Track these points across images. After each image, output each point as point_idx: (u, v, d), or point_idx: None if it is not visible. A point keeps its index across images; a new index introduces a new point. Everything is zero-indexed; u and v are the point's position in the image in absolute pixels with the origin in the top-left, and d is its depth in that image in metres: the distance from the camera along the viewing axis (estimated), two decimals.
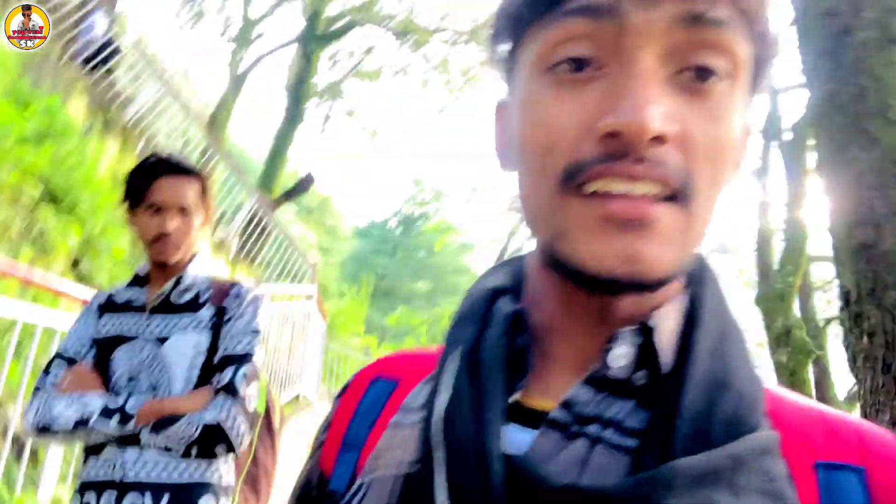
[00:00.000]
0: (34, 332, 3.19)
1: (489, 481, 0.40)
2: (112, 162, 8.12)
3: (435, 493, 0.41)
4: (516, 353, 0.49)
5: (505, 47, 0.50)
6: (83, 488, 1.59)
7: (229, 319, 1.67)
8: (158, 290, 1.71)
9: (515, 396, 0.47)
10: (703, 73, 0.43)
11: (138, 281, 1.77)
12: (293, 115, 15.18)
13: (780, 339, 6.15)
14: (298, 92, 15.18)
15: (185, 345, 1.64)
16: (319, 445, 0.59)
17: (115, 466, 1.56)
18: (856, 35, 1.52)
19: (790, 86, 11.93)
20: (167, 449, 1.56)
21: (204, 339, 1.65)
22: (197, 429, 1.53)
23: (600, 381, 0.45)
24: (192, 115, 9.97)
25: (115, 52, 8.86)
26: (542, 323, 0.50)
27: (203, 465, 1.59)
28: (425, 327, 18.93)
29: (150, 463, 1.55)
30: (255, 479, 1.75)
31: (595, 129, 0.42)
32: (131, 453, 1.55)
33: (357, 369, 0.62)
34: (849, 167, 1.49)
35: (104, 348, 1.68)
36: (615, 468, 0.41)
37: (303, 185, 12.31)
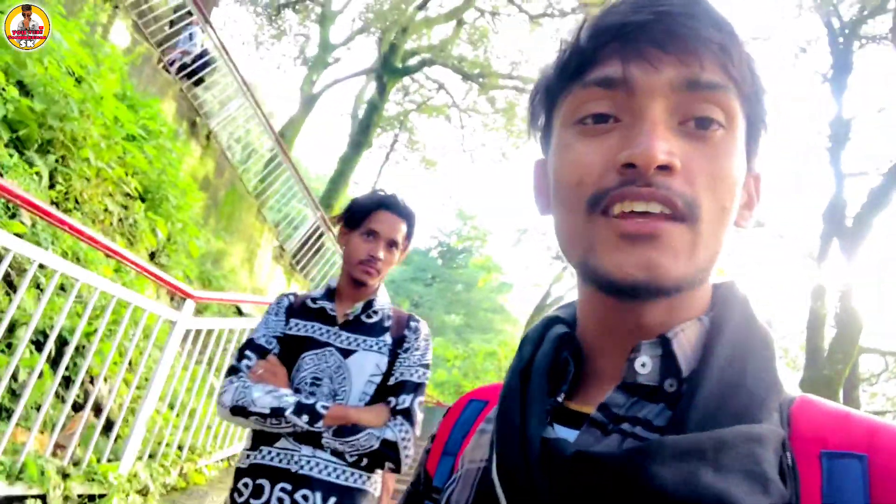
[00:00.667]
0: (125, 313, 3.41)
1: (527, 456, 0.50)
2: (194, 165, 8.52)
3: (491, 474, 0.53)
4: (561, 366, 0.59)
5: (541, 115, 0.63)
6: (254, 471, 1.71)
7: (407, 349, 1.84)
8: (348, 306, 1.89)
9: (559, 400, 0.57)
10: (704, 122, 0.52)
11: (330, 294, 1.94)
12: (359, 141, 15.59)
13: None
14: (369, 119, 15.59)
15: (368, 362, 1.80)
16: (426, 453, 0.71)
17: (290, 459, 1.69)
18: None
19: (856, 172, 11.86)
20: (339, 454, 1.69)
21: (384, 361, 1.81)
22: (377, 443, 1.68)
23: (631, 388, 0.53)
24: (267, 128, 10.35)
25: (207, 63, 9.30)
26: (586, 341, 0.60)
27: (365, 474, 1.74)
28: (459, 361, 18.96)
29: (322, 463, 1.69)
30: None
31: (615, 161, 0.52)
32: (306, 450, 1.69)
33: None
34: None
35: (292, 347, 1.84)
36: None
37: None
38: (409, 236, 1.98)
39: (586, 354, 0.60)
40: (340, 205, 15.17)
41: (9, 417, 2.94)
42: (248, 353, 1.84)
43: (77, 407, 3.48)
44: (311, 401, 1.72)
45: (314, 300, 1.93)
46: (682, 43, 0.52)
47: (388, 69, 16.02)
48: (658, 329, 0.54)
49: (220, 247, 8.45)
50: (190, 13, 9.09)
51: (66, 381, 3.46)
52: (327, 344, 1.83)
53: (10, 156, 4.21)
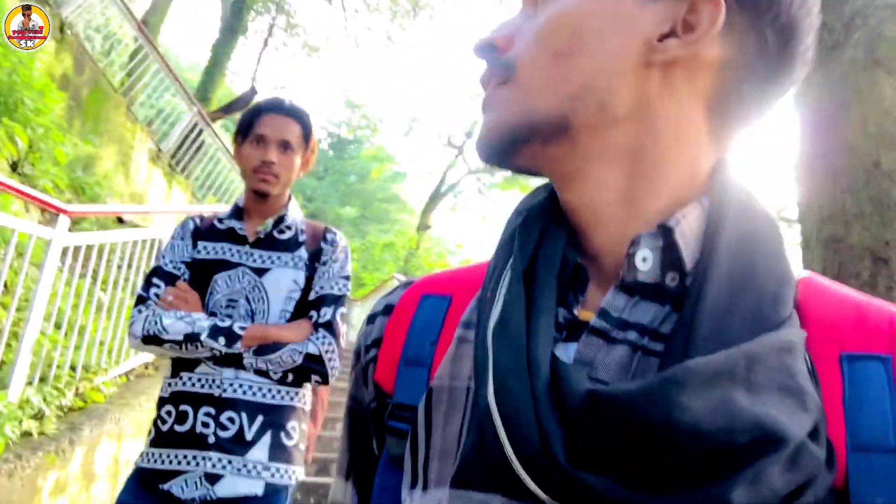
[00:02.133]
0: None
1: (536, 392, 0.42)
2: (49, 62, 7.70)
3: (489, 405, 0.43)
4: (572, 271, 0.51)
5: None
6: (176, 398, 1.69)
7: (325, 262, 1.81)
8: (258, 223, 1.84)
9: (575, 312, 0.50)
10: None
11: (237, 213, 1.88)
12: (232, 26, 14.54)
13: None
14: (240, 1, 14.50)
15: (285, 279, 1.77)
16: (370, 361, 0.61)
17: (212, 383, 1.67)
18: (845, 52, 1.77)
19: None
20: (263, 373, 1.68)
21: (301, 277, 1.78)
22: (300, 358, 1.67)
23: (631, 287, 0.48)
24: (128, 14, 9.44)
25: None
26: (582, 234, 0.54)
27: (292, 390, 1.73)
28: (357, 254, 19.01)
29: (245, 384, 1.67)
30: (312, 407, 1.88)
31: None
32: (228, 373, 1.67)
33: None
34: (826, 170, 1.76)
35: (203, 271, 1.80)
36: (652, 373, 0.44)
37: (243, 101, 11.97)
38: (306, 136, 1.91)
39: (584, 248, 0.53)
40: (218, 97, 14.32)
41: None
42: (155, 280, 1.78)
43: None
44: (226, 323, 1.69)
45: (221, 220, 1.88)
46: None
47: None
48: (603, 212, 0.51)
49: (89, 151, 7.84)
50: None
51: None
52: (239, 264, 1.79)
53: None
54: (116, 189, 8.24)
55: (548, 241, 0.52)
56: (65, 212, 3.60)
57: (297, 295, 1.78)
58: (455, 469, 0.46)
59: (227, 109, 12.42)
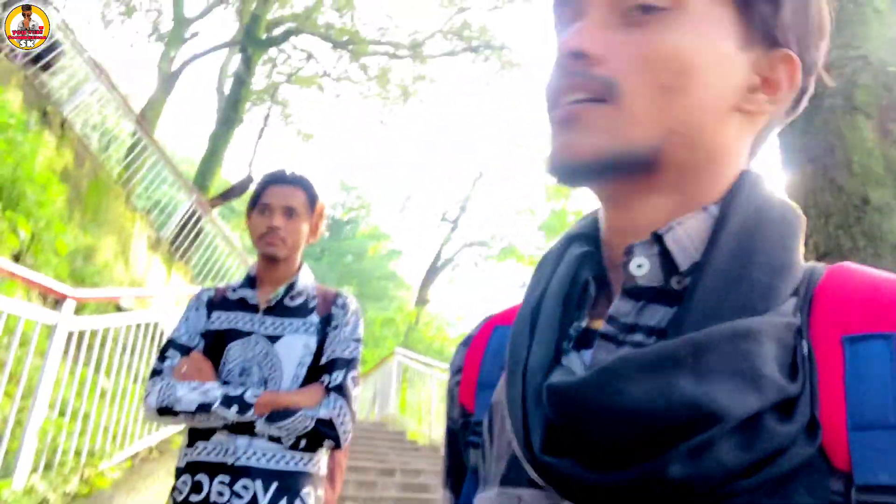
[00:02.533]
0: None
1: (524, 394, 0.49)
2: (51, 157, 7.89)
3: (505, 413, 0.51)
4: (583, 287, 0.55)
5: None
6: (192, 468, 1.70)
7: (336, 326, 1.83)
8: (270, 291, 1.88)
9: (583, 324, 0.53)
10: (644, 8, 0.51)
11: (250, 282, 1.92)
12: (229, 117, 14.96)
13: None
14: (237, 94, 14.98)
15: (297, 345, 1.79)
16: (455, 386, 0.68)
17: (227, 451, 1.68)
18: (824, 100, 1.87)
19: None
20: (276, 439, 1.68)
21: (312, 342, 1.80)
22: (311, 423, 1.67)
23: (634, 292, 0.51)
24: (126, 111, 9.75)
25: (53, 47, 8.60)
26: (605, 254, 0.57)
27: (307, 456, 1.73)
28: None
29: (259, 451, 1.68)
30: (330, 471, 1.87)
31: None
32: (242, 440, 1.67)
33: None
34: (818, 209, 1.82)
35: (217, 340, 1.82)
36: None
37: (241, 187, 12.18)
38: (311, 202, 1.96)
39: (607, 268, 0.56)
40: (216, 185, 14.58)
41: None
42: (169, 352, 1.81)
43: None
44: (238, 391, 1.70)
45: (234, 290, 1.92)
46: None
47: (252, 41, 15.40)
48: (654, 227, 0.51)
49: (89, 242, 7.93)
50: None
51: None
52: (251, 332, 1.81)
53: None
54: (116, 277, 8.29)
55: (562, 266, 0.57)
56: (70, 297, 3.63)
57: (308, 360, 1.80)
58: (503, 470, 0.53)
59: (225, 196, 12.63)
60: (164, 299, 7.88)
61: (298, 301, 1.88)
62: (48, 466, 3.40)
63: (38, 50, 8.33)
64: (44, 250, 6.22)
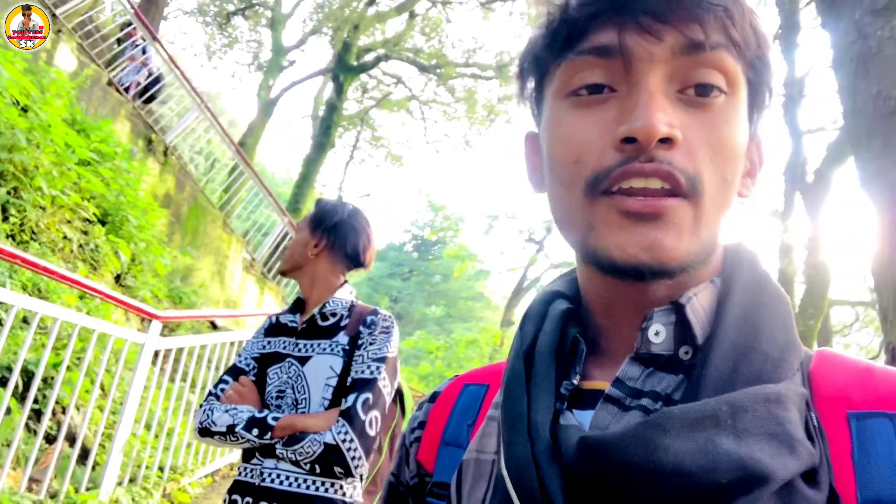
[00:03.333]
0: (90, 340, 3.39)
1: (536, 450, 0.46)
2: (153, 183, 8.41)
3: (501, 469, 0.48)
4: (570, 344, 0.55)
5: (531, 83, 0.58)
6: (234, 488, 1.76)
7: (362, 345, 1.80)
8: (308, 314, 1.90)
9: (575, 382, 0.52)
10: (704, 89, 0.49)
11: (296, 306, 1.96)
12: (322, 142, 15.49)
13: None
14: (329, 119, 15.50)
15: (323, 366, 1.79)
16: (414, 442, 0.66)
17: (256, 473, 1.73)
18: None
19: (813, 129, 12.06)
20: (295, 463, 1.69)
21: (338, 363, 1.79)
22: (319, 447, 1.65)
23: (645, 359, 0.50)
24: (225, 138, 10.26)
25: (159, 79, 9.18)
26: (593, 315, 0.56)
27: (328, 481, 1.71)
28: (442, 352, 19.02)
29: (282, 474, 1.70)
30: (373, 494, 1.85)
31: (613, 136, 0.48)
32: (269, 463, 1.71)
33: None
34: None
35: (263, 365, 1.88)
36: None
37: None
38: (314, 220, 1.98)
39: (594, 329, 0.56)
40: (308, 208, 15.08)
41: None
42: (225, 377, 1.88)
43: (51, 439, 3.45)
44: (262, 414, 1.73)
45: (284, 314, 1.96)
46: (682, 11, 0.48)
47: (344, 68, 15.93)
48: (669, 297, 0.51)
49: (187, 263, 8.37)
50: (137, 30, 8.93)
51: (38, 415, 3.42)
52: (288, 355, 1.85)
53: None
54: (212, 297, 8.70)
55: (548, 322, 0.56)
56: (157, 317, 3.82)
57: (334, 381, 1.78)
58: None
59: None
60: (253, 319, 8.18)
61: (330, 321, 1.87)
62: (132, 480, 3.58)
63: (146, 82, 8.94)
64: (143, 271, 6.61)
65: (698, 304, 0.50)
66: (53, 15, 7.42)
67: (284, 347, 1.87)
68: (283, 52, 17.71)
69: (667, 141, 0.47)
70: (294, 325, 1.90)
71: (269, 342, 1.92)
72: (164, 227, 8.06)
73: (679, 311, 0.50)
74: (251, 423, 1.71)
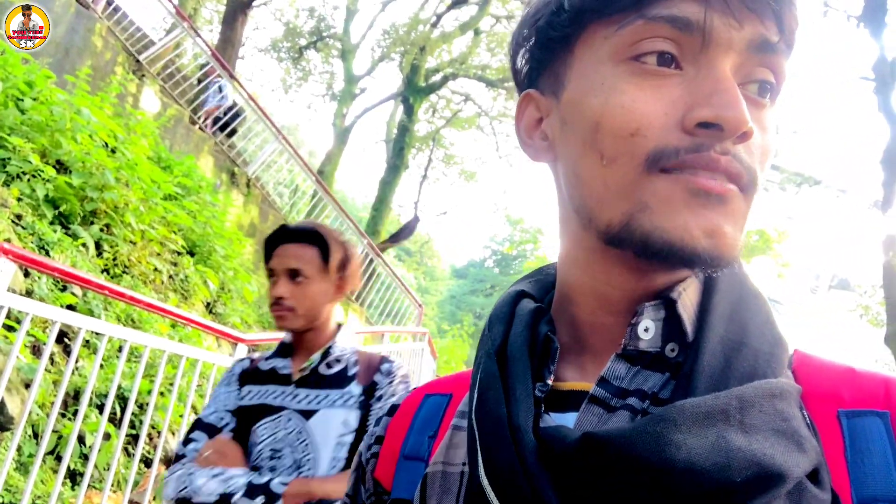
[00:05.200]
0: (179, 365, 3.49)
1: (522, 455, 0.43)
2: (238, 214, 8.74)
3: (480, 479, 0.45)
4: (542, 344, 0.52)
5: (554, 36, 0.51)
6: None
7: (380, 397, 1.58)
8: (303, 360, 1.64)
9: (549, 382, 0.50)
10: (764, 88, 0.48)
11: (284, 350, 1.69)
12: (396, 164, 15.74)
13: None
14: (402, 142, 15.75)
15: (334, 421, 1.54)
16: (371, 458, 0.61)
17: None
18: None
19: None
20: None
21: (353, 417, 1.55)
22: None
23: (632, 356, 0.48)
24: (304, 167, 10.57)
25: (237, 114, 9.58)
26: (574, 312, 0.53)
27: None
28: None
29: None
30: None
31: (687, 118, 0.44)
32: None
33: None
34: None
35: (246, 418, 1.59)
36: None
37: (408, 229, 12.71)
38: (326, 257, 1.66)
39: (571, 327, 0.54)
40: (386, 229, 15.31)
41: (80, 482, 3.04)
42: (194, 434, 1.58)
43: (148, 462, 3.58)
44: (265, 478, 1.45)
45: (266, 360, 1.69)
46: (765, 4, 0.46)
47: (413, 90, 16.17)
48: (662, 290, 0.49)
49: None
50: (213, 68, 9.35)
51: (136, 439, 3.56)
52: (282, 408, 1.57)
53: (55, 231, 4.40)
54: None
55: (517, 322, 0.54)
56: (242, 340, 3.93)
57: (349, 439, 1.53)
58: None
59: (394, 238, 13.22)
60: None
61: (336, 369, 1.63)
62: None
63: (226, 118, 9.34)
64: (232, 298, 6.85)
65: (687, 300, 0.48)
66: (138, 61, 7.88)
67: (276, 398, 1.59)
68: (354, 80, 18.19)
69: (744, 136, 0.45)
70: (287, 372, 1.64)
71: (249, 392, 1.63)
72: (251, 256, 8.34)
73: (670, 306, 0.48)
74: (253, 491, 1.41)
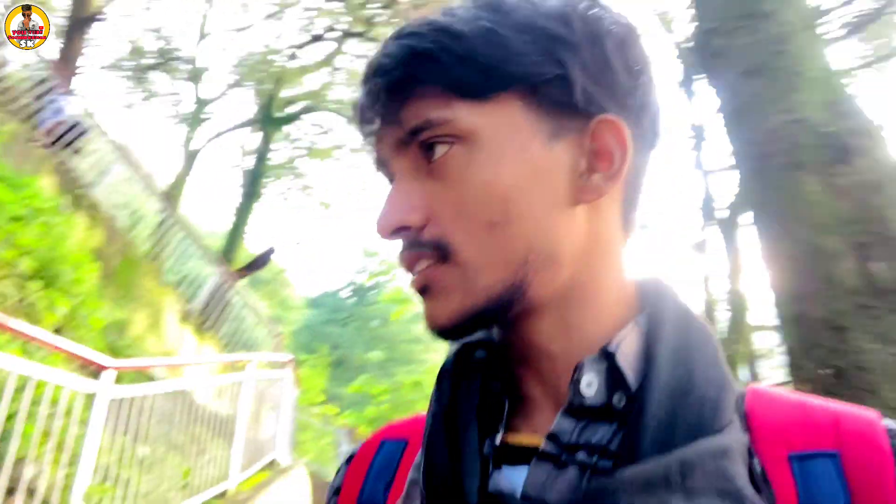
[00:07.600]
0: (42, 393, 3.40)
1: None
2: (83, 237, 8.31)
3: None
4: (495, 398, 0.52)
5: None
6: None
7: None
8: None
9: (496, 442, 0.50)
10: (430, 146, 0.49)
11: None
12: (250, 192, 15.51)
13: None
14: (257, 170, 15.57)
15: None
16: None
17: None
18: (772, 161, 2.11)
19: (721, 168, 12.90)
20: None
21: None
22: None
23: (578, 410, 0.48)
24: (151, 190, 10.23)
25: (81, 132, 9.12)
26: (514, 365, 0.54)
27: None
28: (387, 395, 18.98)
29: None
30: None
31: None
32: None
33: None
34: (784, 258, 2.04)
35: None
36: None
37: (263, 259, 12.58)
38: None
39: (517, 379, 0.54)
40: (240, 258, 15.00)
41: None
42: None
43: (11, 492, 3.45)
44: None
45: None
46: (395, 104, 0.50)
47: (269, 120, 16.05)
48: (549, 346, 0.51)
49: (122, 315, 8.25)
50: (52, 84, 8.87)
51: None
52: None
53: None
54: (149, 349, 8.56)
55: (465, 381, 0.54)
56: (110, 367, 3.89)
57: None
58: None
59: (249, 268, 13.00)
60: (196, 369, 8.12)
61: None
62: None
63: (67, 135, 8.85)
64: (80, 325, 6.53)
65: (627, 349, 0.49)
66: None
67: None
68: (203, 104, 17.62)
69: (405, 229, 0.50)
70: None
71: None
72: (98, 281, 7.95)
73: (609, 358, 0.49)
74: None
